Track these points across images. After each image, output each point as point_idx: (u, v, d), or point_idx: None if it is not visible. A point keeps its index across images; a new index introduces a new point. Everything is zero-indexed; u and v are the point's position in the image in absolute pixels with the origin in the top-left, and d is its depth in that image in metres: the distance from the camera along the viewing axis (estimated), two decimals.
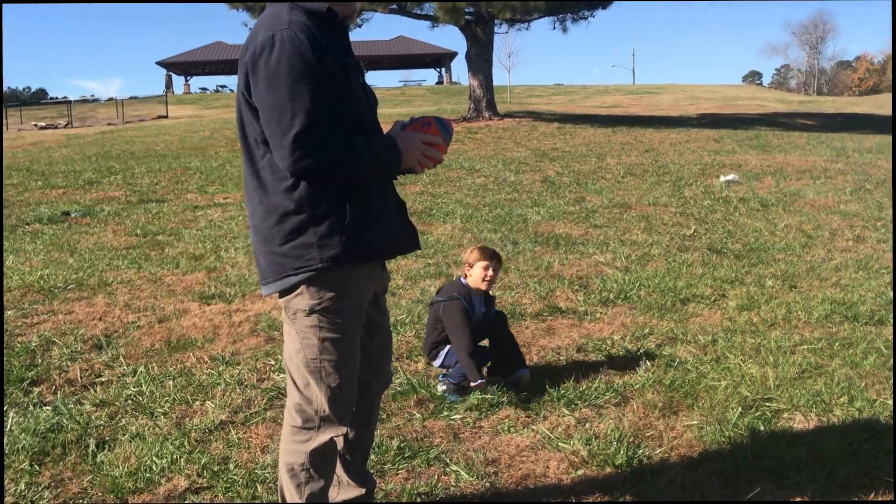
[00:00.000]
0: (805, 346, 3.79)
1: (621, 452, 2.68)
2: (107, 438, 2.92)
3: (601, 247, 6.32)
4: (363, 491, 2.21)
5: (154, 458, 2.72)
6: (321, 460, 1.97)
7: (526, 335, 4.06)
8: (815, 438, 2.78)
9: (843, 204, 8.30)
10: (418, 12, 19.94)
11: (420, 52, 49.18)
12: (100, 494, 2.52)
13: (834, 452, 2.66)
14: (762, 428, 2.89)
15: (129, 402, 3.29)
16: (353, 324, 1.93)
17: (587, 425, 2.97)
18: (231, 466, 2.69)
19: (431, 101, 34.25)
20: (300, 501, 1.97)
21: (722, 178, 10.11)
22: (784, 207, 8.15)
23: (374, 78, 52.73)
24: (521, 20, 20.08)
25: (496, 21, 19.61)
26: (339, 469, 2.14)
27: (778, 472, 2.55)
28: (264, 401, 3.26)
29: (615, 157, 13.35)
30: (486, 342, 3.54)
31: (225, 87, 49.19)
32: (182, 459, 2.72)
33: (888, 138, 16.03)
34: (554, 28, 20.90)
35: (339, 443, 1.99)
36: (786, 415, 3.03)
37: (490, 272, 3.36)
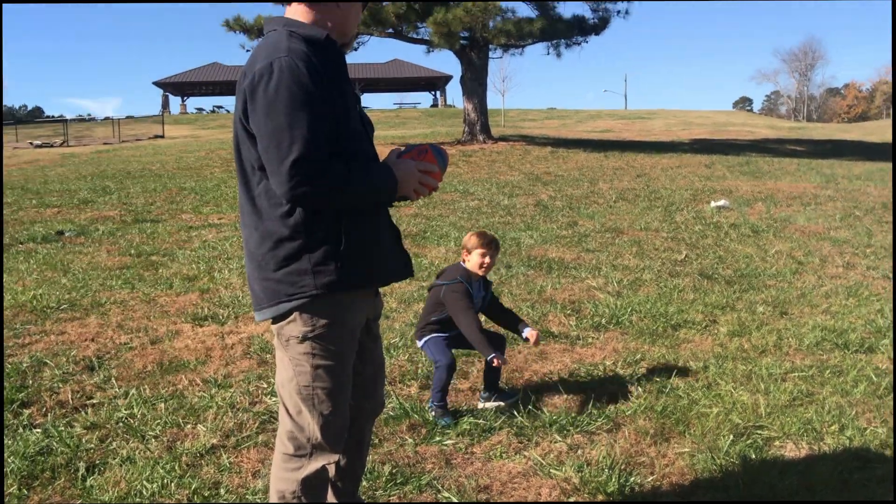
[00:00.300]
0: (796, 374, 3.81)
1: (613, 480, 2.68)
2: (97, 462, 2.90)
3: (593, 271, 6.35)
4: None
5: (144, 482, 2.71)
6: (313, 488, 1.97)
7: (518, 360, 4.07)
8: (806, 467, 2.79)
9: (833, 230, 8.38)
10: (414, 36, 20.16)
11: (415, 75, 49.62)
12: None
13: (825, 481, 2.67)
14: (753, 456, 2.90)
15: (121, 424, 3.27)
16: (346, 351, 1.94)
17: (579, 452, 2.97)
18: (222, 491, 2.67)
19: (426, 124, 34.46)
20: None
21: (713, 204, 10.20)
22: (775, 233, 8.22)
23: (369, 100, 53.21)
24: (515, 45, 20.32)
25: (491, 46, 19.84)
26: (330, 496, 2.13)
27: (770, 501, 2.56)
28: (256, 424, 3.25)
29: (607, 182, 13.45)
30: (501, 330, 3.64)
31: (221, 107, 49.39)
32: (173, 484, 2.71)
33: (877, 165, 16.23)
34: (548, 53, 21.18)
35: (331, 470, 1.99)
36: (777, 443, 3.04)
37: (487, 259, 3.36)
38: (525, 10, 26.94)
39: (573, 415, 3.30)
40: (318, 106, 1.78)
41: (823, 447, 2.98)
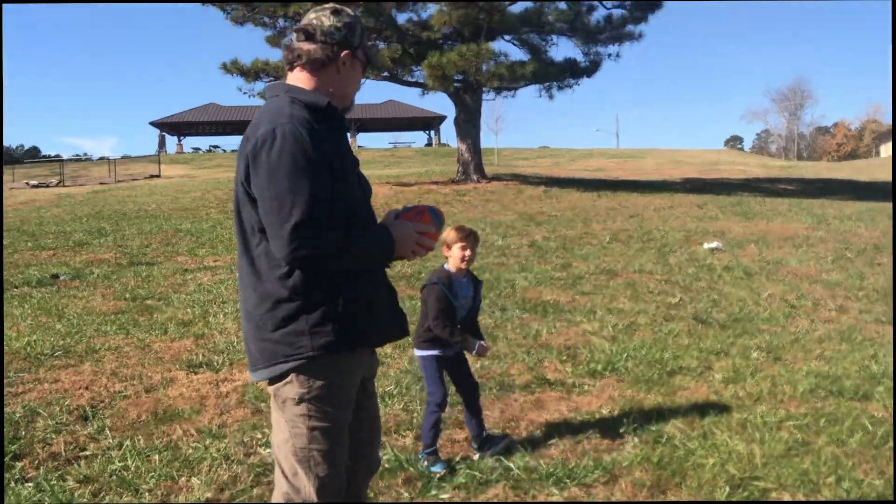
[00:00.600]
0: (791, 422, 3.82)
1: None
2: None
3: (588, 315, 6.37)
4: None
5: None
6: None
7: (514, 408, 4.07)
8: None
9: (825, 273, 8.45)
10: (409, 79, 20.49)
11: (410, 115, 50.20)
12: None
13: None
14: None
15: (114, 477, 3.24)
16: (342, 412, 1.95)
17: None
18: None
19: (420, 163, 34.77)
20: None
21: (706, 246, 10.29)
22: (767, 276, 8.28)
23: (364, 139, 53.54)
24: (508, 88, 20.67)
25: (484, 88, 20.17)
26: None
27: None
28: (251, 477, 3.23)
29: (601, 223, 13.56)
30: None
31: (217, 147, 49.73)
32: None
33: (867, 205, 16.42)
34: (540, 96, 21.52)
35: None
36: (773, 494, 3.04)
37: (468, 252, 3.37)
38: (518, 54, 27.47)
39: (570, 466, 3.29)
40: (319, 171, 1.83)
41: (820, 499, 2.98)
